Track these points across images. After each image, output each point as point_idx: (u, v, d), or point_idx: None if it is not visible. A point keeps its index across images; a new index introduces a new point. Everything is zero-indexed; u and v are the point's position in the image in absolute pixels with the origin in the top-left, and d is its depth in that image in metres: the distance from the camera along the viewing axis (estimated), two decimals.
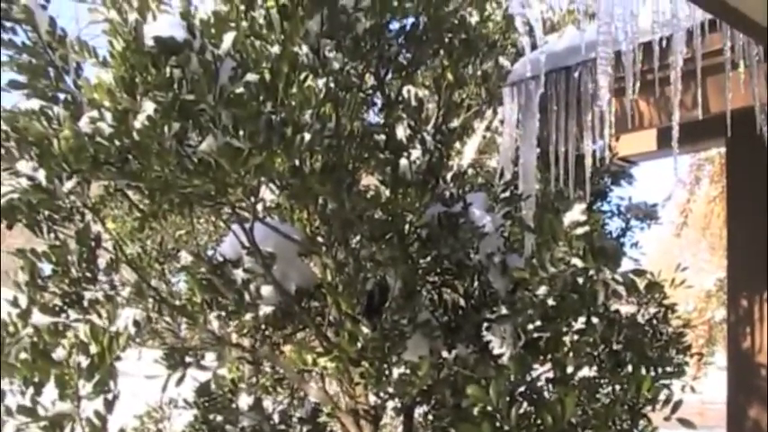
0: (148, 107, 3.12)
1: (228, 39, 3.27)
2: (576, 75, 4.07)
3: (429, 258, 4.07)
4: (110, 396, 3.08)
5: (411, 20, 4.05)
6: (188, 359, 4.08)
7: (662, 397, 3.49)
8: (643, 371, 3.71)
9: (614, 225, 6.05)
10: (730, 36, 3.62)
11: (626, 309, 4.61)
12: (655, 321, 4.68)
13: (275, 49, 3.48)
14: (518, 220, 3.89)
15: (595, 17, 3.22)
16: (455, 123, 4.94)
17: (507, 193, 4.06)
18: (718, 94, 3.93)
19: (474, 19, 4.35)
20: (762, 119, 3.85)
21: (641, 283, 4.00)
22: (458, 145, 5.49)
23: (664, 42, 3.55)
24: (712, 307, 13.85)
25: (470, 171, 5.26)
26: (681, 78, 3.71)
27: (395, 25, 4.08)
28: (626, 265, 5.15)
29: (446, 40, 4.17)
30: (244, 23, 3.53)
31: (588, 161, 3.83)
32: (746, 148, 4.30)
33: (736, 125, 4.07)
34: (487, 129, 5.61)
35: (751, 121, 3.92)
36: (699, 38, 3.63)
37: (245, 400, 4.54)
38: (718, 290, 13.36)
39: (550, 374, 3.84)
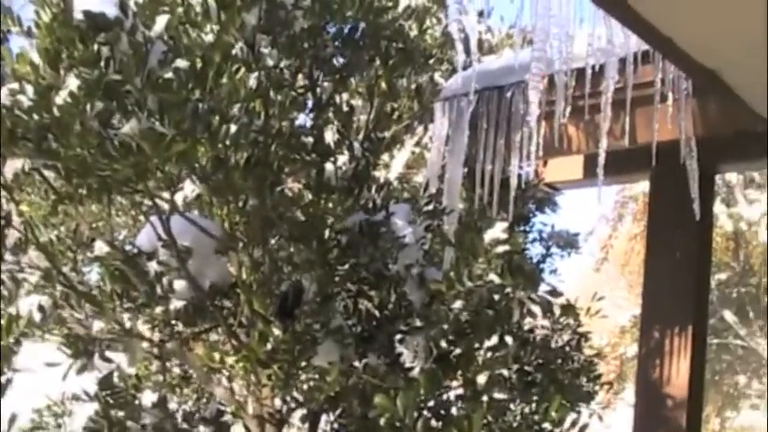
0: (72, 84, 3.03)
1: (161, 22, 3.21)
2: (509, 95, 4.09)
3: (347, 265, 4.03)
4: (2, 379, 2.97)
5: (349, 24, 4.04)
6: (92, 348, 3.97)
7: (569, 421, 3.50)
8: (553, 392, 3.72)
9: (535, 251, 6.08)
10: (662, 69, 3.66)
11: (540, 333, 4.65)
12: (568, 348, 4.72)
13: (209, 38, 3.43)
14: (439, 234, 3.87)
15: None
16: (386, 134, 4.93)
17: (431, 207, 4.04)
18: (646, 126, 3.98)
19: (413, 31, 4.35)
20: (686, 152, 3.90)
21: (557, 306, 4.04)
22: (386, 157, 5.47)
23: (597, 68, 3.58)
24: (626, 343, 14.09)
25: (396, 184, 5.24)
26: (611, 106, 3.74)
27: (333, 28, 4.07)
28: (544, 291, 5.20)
29: (383, 48, 4.15)
30: (179, 9, 3.47)
31: (513, 182, 3.84)
32: (670, 182, 4.36)
33: (661, 158, 4.13)
34: (417, 144, 5.60)
35: (676, 155, 3.97)
36: (631, 66, 3.67)
37: (149, 397, 4.43)
38: (633, 326, 13.62)
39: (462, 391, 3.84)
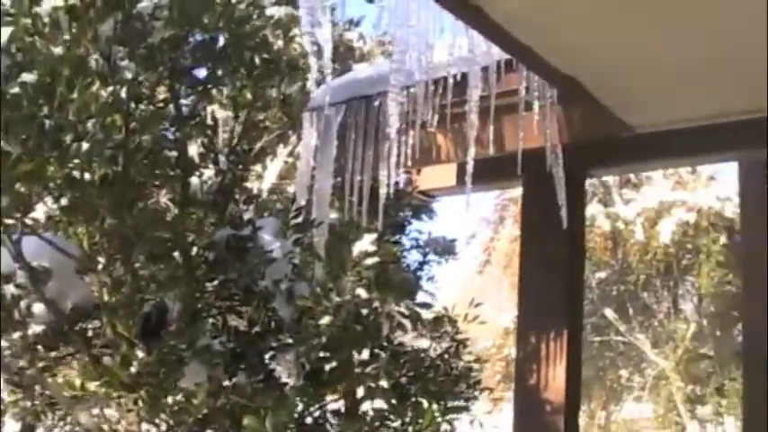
0: None
1: (5, 33, 3.05)
2: (377, 104, 4.04)
3: (216, 282, 3.92)
4: None
5: (210, 35, 3.93)
6: None
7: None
8: (426, 404, 3.69)
9: (413, 258, 6.04)
10: (526, 77, 3.67)
11: (421, 342, 4.62)
12: (446, 356, 4.70)
13: (59, 50, 3.27)
14: (308, 247, 3.79)
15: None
16: (257, 145, 4.83)
17: (299, 220, 3.96)
18: (513, 133, 3.98)
19: (279, 41, 4.27)
20: (552, 159, 3.92)
21: (431, 317, 4.01)
22: (259, 168, 5.38)
23: (459, 78, 3.56)
24: (510, 344, 14.26)
25: (269, 196, 5.14)
26: (479, 115, 3.72)
27: (195, 38, 3.95)
28: (421, 298, 5.17)
29: (247, 58, 4.05)
30: (26, 20, 3.30)
31: (382, 192, 3.79)
32: (541, 188, 4.37)
33: (531, 165, 4.14)
34: (290, 154, 5.52)
35: (545, 161, 3.98)
36: (494, 75, 3.66)
37: (13, 427, 4.25)
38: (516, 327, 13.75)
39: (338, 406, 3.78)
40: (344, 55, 5.43)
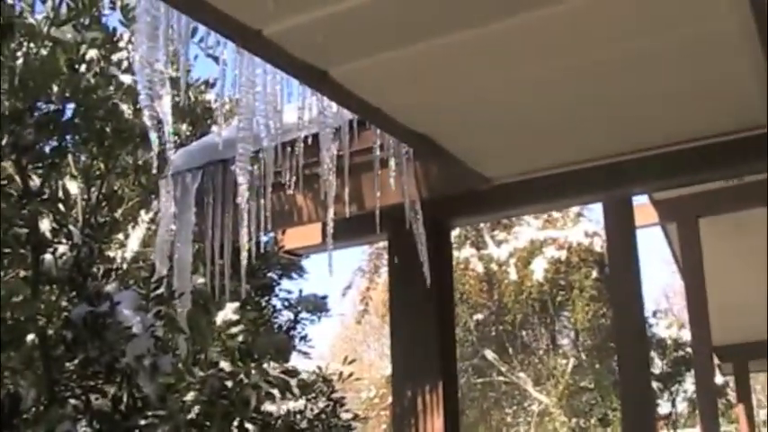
0: None
1: None
2: (233, 168, 3.98)
3: (76, 361, 3.77)
4: None
5: (57, 106, 3.81)
6: None
7: None
8: None
9: (285, 318, 5.97)
10: (381, 135, 3.67)
11: (296, 404, 4.54)
12: (324, 416, 4.63)
13: None
14: (169, 320, 3.69)
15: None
16: (117, 214, 4.70)
17: (160, 290, 3.85)
18: (372, 191, 3.97)
19: (129, 108, 4.18)
20: (411, 215, 3.93)
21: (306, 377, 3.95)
22: (121, 236, 5.24)
23: (314, 138, 3.55)
24: None
25: (132, 264, 5.00)
26: (336, 174, 3.71)
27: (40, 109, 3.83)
28: (296, 359, 5.10)
29: (97, 128, 3.94)
30: None
31: (244, 255, 3.73)
32: (404, 241, 4.37)
33: (394, 220, 4.14)
34: (152, 221, 5.39)
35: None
36: (347, 136, 3.66)
37: None
38: None
39: None
40: (203, 116, 5.35)
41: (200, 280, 4.70)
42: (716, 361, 11.77)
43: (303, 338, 5.89)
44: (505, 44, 2.64)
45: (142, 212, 5.24)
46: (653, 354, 15.22)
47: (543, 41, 2.64)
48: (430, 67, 2.75)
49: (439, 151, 3.51)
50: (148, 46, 2.48)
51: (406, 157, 3.85)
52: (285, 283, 6.05)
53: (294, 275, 6.13)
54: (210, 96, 5.74)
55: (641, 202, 7.50)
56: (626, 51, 2.78)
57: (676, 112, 3.39)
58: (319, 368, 4.88)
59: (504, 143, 3.69)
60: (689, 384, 15.57)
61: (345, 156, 3.71)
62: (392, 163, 3.78)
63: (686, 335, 14.38)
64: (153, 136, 2.72)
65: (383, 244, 13.98)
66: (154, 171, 3.37)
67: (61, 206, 3.95)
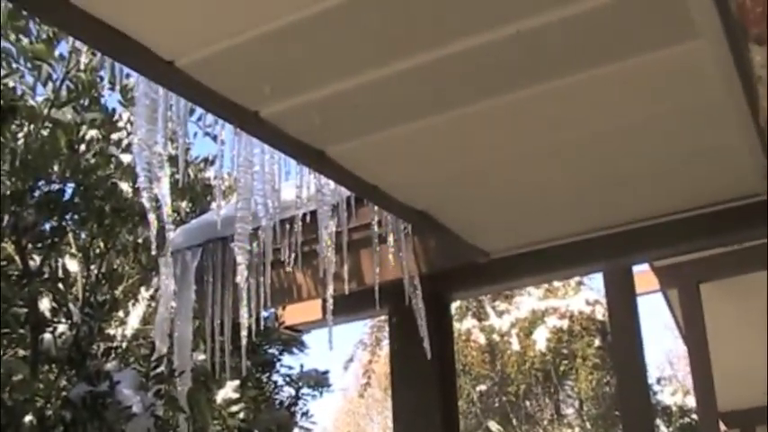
0: None
1: None
2: (233, 245, 3.99)
3: None
4: None
5: (57, 186, 3.84)
6: None
7: None
8: None
9: (286, 394, 5.93)
10: (378, 211, 3.69)
11: None
12: None
13: None
14: (169, 399, 3.67)
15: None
16: (117, 292, 4.70)
17: (161, 369, 3.84)
18: (371, 267, 3.97)
19: (128, 187, 4.21)
20: (410, 290, 3.92)
21: None
22: (122, 314, 5.23)
23: (312, 215, 3.56)
24: None
25: (133, 342, 4.99)
26: (335, 250, 3.71)
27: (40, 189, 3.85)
28: None
29: (96, 207, 3.96)
30: None
31: (243, 333, 3.71)
32: (405, 316, 4.36)
33: (393, 295, 4.13)
34: (152, 298, 5.39)
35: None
36: (345, 213, 3.68)
37: None
38: None
39: None
40: (202, 193, 5.39)
41: (201, 357, 4.68)
42: (722, 427, 11.64)
43: (305, 414, 5.85)
44: (504, 120, 2.66)
45: (142, 290, 5.24)
46: (658, 421, 15.06)
47: (541, 116, 2.66)
48: (426, 145, 2.77)
49: (437, 227, 3.52)
50: (147, 129, 2.50)
51: (405, 233, 3.86)
52: (286, 359, 6.03)
53: (295, 351, 6.11)
54: (210, 174, 5.79)
55: (642, 269, 7.49)
56: (622, 124, 2.80)
57: (674, 182, 3.40)
58: None
59: (503, 217, 3.69)
60: None
61: (344, 232, 3.72)
62: (391, 239, 3.78)
63: (691, 401, 14.25)
64: (151, 217, 2.73)
65: (384, 318, 13.97)
66: (153, 251, 3.37)
67: (61, 285, 3.95)
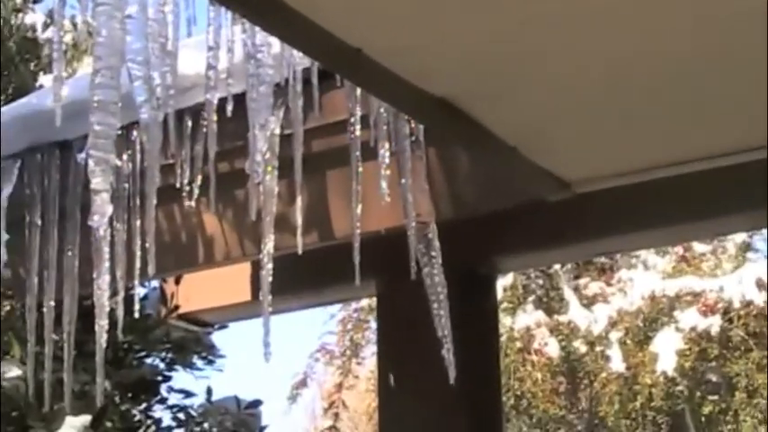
0: None
1: None
2: (83, 158, 4.09)
3: None
4: None
5: None
6: None
7: None
8: None
9: None
10: (360, 97, 3.76)
11: None
12: None
13: None
14: None
15: None
16: None
17: None
18: (348, 204, 4.05)
19: None
20: (419, 252, 4.00)
21: None
22: None
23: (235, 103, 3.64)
24: None
25: None
26: (280, 172, 3.80)
27: None
28: None
29: None
30: None
31: (102, 324, 3.78)
32: (408, 301, 4.45)
33: (391, 259, 4.21)
34: None
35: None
36: (300, 100, 3.75)
37: None
38: None
39: None
40: (20, 57, 5.43)
41: (15, 372, 4.74)
42: None
43: None
44: None
45: None
46: None
47: None
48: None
49: (472, 131, 3.56)
50: None
51: (412, 142, 3.90)
52: (180, 378, 6.12)
53: (197, 362, 6.19)
54: (36, 19, 5.84)
55: None
56: None
57: None
58: None
59: (595, 120, 3.74)
60: None
61: (296, 136, 3.76)
62: (384, 152, 3.83)
63: None
64: None
65: (366, 303, 13.98)
66: None
67: None
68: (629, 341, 14.84)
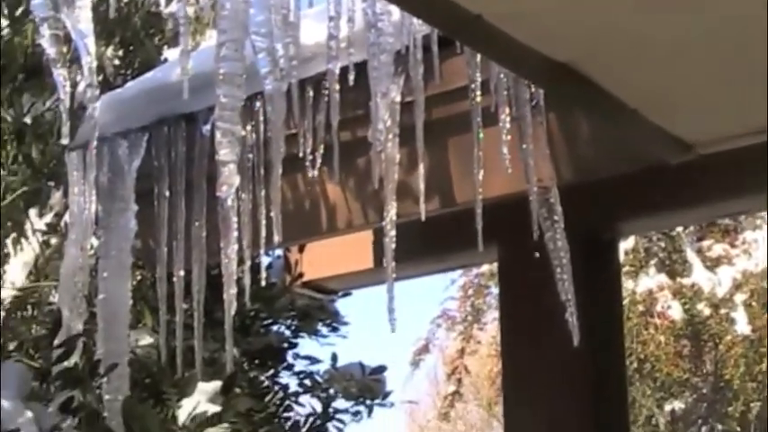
0: None
1: None
2: (207, 129, 4.13)
3: None
4: None
5: None
6: None
7: None
8: None
9: (306, 410, 6.07)
10: (481, 63, 3.78)
11: None
12: None
13: None
14: (88, 418, 3.83)
15: None
16: None
17: (71, 362, 4.01)
18: (469, 171, 4.07)
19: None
20: (541, 216, 4.02)
21: None
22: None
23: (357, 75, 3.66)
24: None
25: (15, 313, 5.16)
26: (401, 140, 3.83)
27: None
28: None
29: None
30: None
31: (232, 293, 3.83)
32: (530, 266, 4.45)
33: (513, 225, 4.24)
34: (53, 229, 5.55)
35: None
36: (420, 68, 3.77)
37: None
38: None
39: None
40: (145, 31, 5.50)
41: (146, 340, 4.81)
42: None
43: None
44: None
45: (32, 214, 5.38)
46: None
47: None
48: None
49: (594, 94, 3.57)
50: None
51: (532, 107, 3.92)
52: (305, 345, 6.17)
53: (322, 330, 6.24)
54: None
55: None
56: None
57: None
58: None
59: (710, 74, 3.74)
60: None
61: (417, 103, 3.79)
62: (506, 117, 3.85)
63: None
64: (60, 74, 2.81)
65: (487, 269, 13.97)
66: (63, 138, 3.49)
67: None
68: (754, 303, 14.72)
